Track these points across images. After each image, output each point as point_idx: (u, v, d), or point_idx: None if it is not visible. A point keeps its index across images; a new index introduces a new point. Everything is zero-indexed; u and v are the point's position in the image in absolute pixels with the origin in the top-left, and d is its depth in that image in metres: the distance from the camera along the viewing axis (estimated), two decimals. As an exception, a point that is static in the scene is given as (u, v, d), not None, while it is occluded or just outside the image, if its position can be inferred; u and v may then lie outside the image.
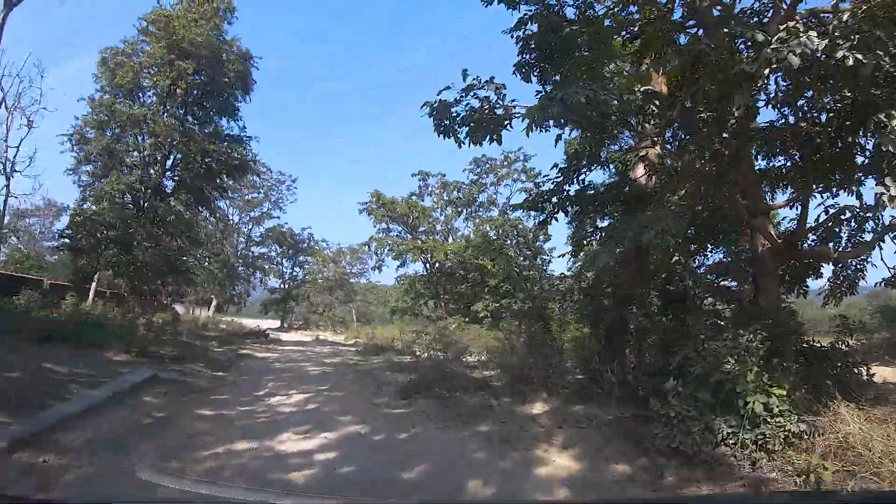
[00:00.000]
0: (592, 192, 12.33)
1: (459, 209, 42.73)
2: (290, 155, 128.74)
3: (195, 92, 24.20)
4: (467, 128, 8.59)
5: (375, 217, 39.40)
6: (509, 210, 42.45)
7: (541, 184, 14.25)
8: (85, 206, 21.55)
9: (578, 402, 9.90)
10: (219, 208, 56.36)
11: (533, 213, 13.94)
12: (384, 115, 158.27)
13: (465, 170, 42.86)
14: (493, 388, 11.69)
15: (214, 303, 53.07)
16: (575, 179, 11.92)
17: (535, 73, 9.74)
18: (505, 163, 42.34)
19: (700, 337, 7.40)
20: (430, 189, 42.63)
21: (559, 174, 11.85)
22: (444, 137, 8.63)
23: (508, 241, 41.49)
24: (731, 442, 6.08)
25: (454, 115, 8.55)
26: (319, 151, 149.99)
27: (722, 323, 9.23)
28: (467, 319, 33.40)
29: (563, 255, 35.54)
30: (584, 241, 14.43)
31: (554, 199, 12.09)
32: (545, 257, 40.19)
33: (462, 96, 8.45)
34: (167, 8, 23.68)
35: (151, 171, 23.76)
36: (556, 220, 12.48)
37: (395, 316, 42.02)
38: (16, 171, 19.69)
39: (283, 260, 64.20)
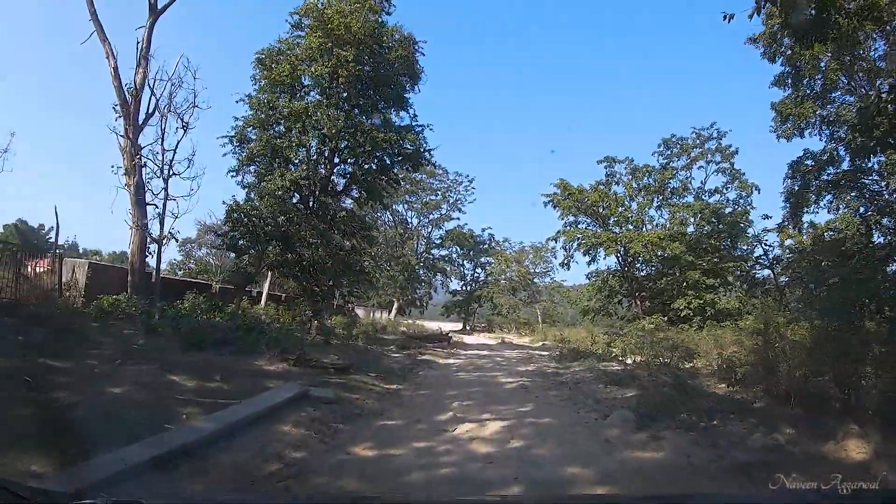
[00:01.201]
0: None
1: (651, 196, 37.02)
2: (467, 153, 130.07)
3: (359, 85, 22.13)
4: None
5: (562, 209, 35.03)
6: (705, 195, 36.89)
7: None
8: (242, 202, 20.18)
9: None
10: (397, 212, 57.83)
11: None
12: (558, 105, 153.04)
13: (654, 153, 38.21)
14: (757, 412, 8.40)
15: (396, 306, 52.74)
16: None
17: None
18: (697, 141, 36.92)
19: None
20: (617, 177, 37.54)
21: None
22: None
23: (707, 228, 35.53)
24: None
25: None
26: (496, 146, 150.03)
27: None
28: (666, 319, 28.05)
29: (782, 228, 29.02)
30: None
31: None
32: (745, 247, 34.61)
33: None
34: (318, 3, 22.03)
35: (321, 169, 22.08)
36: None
37: (588, 317, 37.17)
38: (174, 174, 18.55)
39: (464, 261, 62.90)
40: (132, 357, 10.14)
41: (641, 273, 36.15)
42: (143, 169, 19.06)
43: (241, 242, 18.60)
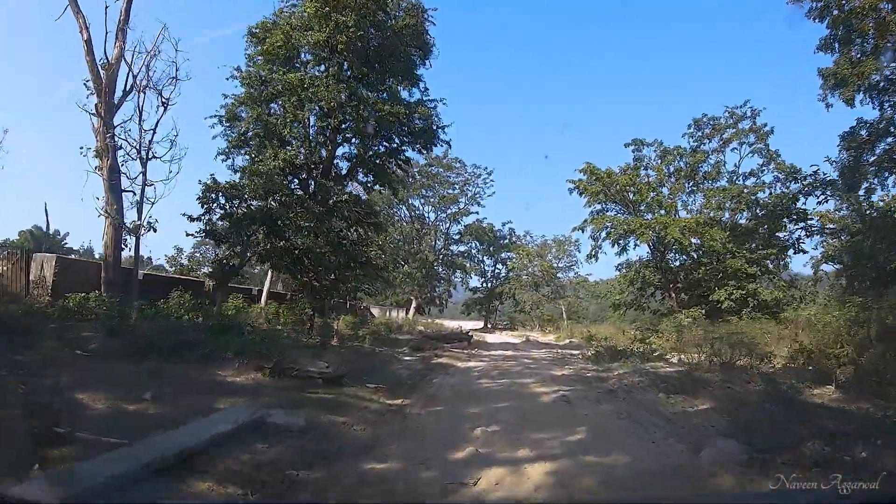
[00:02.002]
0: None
1: (683, 181, 34.06)
2: (485, 146, 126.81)
3: (362, 55, 19.47)
4: None
5: (589, 196, 32.09)
6: (739, 178, 33.97)
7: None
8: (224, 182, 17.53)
9: None
10: (413, 206, 55.19)
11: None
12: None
13: (684, 134, 35.44)
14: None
15: (414, 304, 50.26)
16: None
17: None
18: (731, 120, 33.92)
19: None
20: (646, 162, 34.75)
21: None
22: None
23: (744, 215, 32.99)
24: None
25: None
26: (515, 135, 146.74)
27: None
28: (704, 312, 26.19)
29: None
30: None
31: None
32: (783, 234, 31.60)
33: None
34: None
35: (321, 150, 19.56)
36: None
37: (619, 311, 34.17)
38: (154, 157, 16.14)
39: (484, 257, 60.31)
40: (55, 366, 7.77)
41: (675, 263, 33.32)
42: (119, 151, 16.76)
43: (220, 228, 16.04)
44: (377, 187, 22.21)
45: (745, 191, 32.55)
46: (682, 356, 17.88)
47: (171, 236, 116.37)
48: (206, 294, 20.04)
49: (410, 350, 18.27)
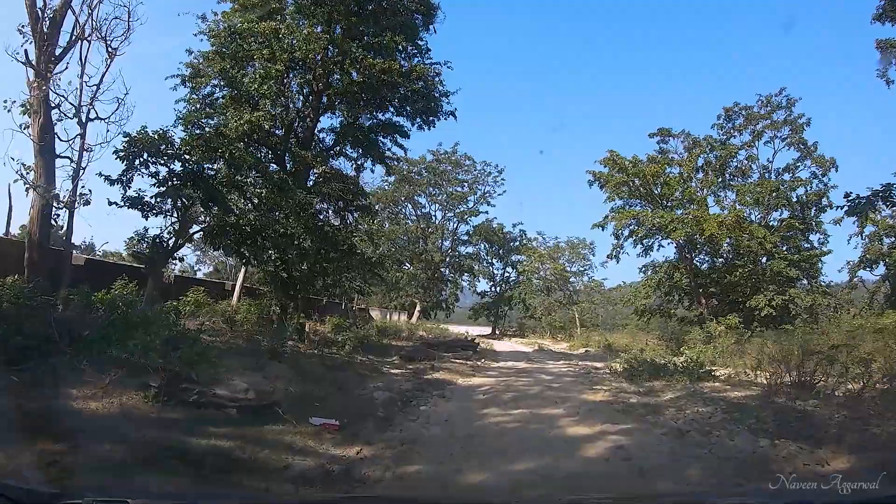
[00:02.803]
0: None
1: (714, 175, 30.42)
2: (497, 145, 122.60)
3: (352, 5, 16.08)
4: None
5: (610, 189, 28.55)
6: (770, 174, 30.47)
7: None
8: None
9: None
10: (419, 204, 51.56)
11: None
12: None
13: (714, 125, 31.89)
14: None
15: (419, 308, 46.83)
16: None
17: None
18: (767, 107, 30.37)
19: None
20: (671, 154, 30.96)
21: None
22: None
23: (779, 214, 29.71)
24: None
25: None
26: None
27: None
28: (740, 320, 23.00)
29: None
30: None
31: None
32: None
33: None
34: None
35: (301, 117, 16.30)
36: None
37: (643, 318, 30.54)
38: (96, 118, 12.72)
39: (493, 260, 56.93)
40: None
41: (704, 266, 29.89)
42: (54, 112, 13.37)
43: (146, 195, 12.50)
44: (369, 164, 18.71)
45: (783, 186, 29.14)
46: (729, 371, 14.60)
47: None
48: (167, 285, 16.81)
49: (401, 360, 14.80)
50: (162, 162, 11.51)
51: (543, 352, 28.86)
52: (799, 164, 29.93)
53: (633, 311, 31.61)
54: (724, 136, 31.31)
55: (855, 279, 27.64)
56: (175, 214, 12.03)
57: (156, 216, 11.78)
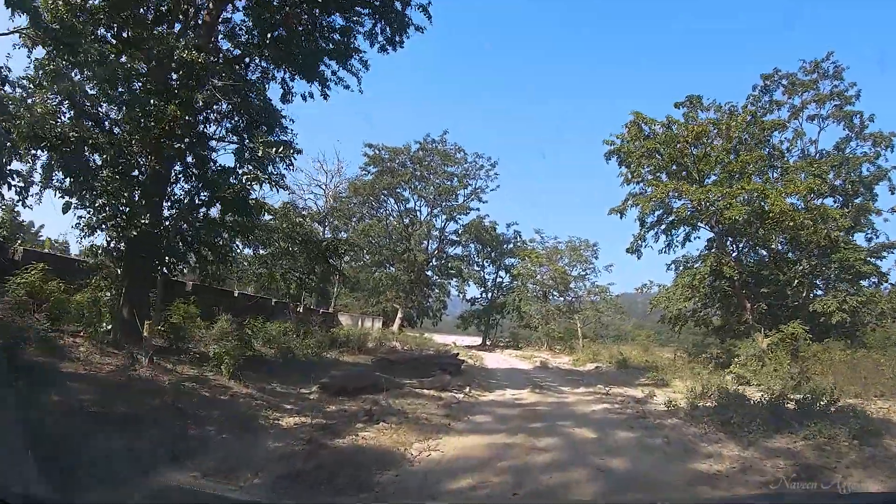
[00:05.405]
0: None
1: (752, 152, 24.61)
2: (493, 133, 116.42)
3: None
4: None
5: (633, 162, 22.57)
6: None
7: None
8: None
9: None
10: (402, 197, 44.76)
11: None
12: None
13: (749, 96, 26.94)
14: None
15: (400, 314, 40.80)
16: None
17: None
18: (814, 73, 25.36)
19: None
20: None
21: None
22: None
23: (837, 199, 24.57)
24: None
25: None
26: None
27: None
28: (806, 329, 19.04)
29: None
30: None
31: None
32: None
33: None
34: None
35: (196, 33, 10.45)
36: None
37: (676, 328, 24.36)
38: None
39: (485, 262, 51.08)
40: None
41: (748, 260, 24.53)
42: None
43: None
44: (303, 89, 12.59)
45: (847, 162, 23.79)
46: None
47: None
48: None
49: (322, 393, 8.51)
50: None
51: (548, 370, 22.63)
52: (850, 141, 24.58)
53: (662, 319, 25.36)
54: (761, 113, 25.66)
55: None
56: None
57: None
